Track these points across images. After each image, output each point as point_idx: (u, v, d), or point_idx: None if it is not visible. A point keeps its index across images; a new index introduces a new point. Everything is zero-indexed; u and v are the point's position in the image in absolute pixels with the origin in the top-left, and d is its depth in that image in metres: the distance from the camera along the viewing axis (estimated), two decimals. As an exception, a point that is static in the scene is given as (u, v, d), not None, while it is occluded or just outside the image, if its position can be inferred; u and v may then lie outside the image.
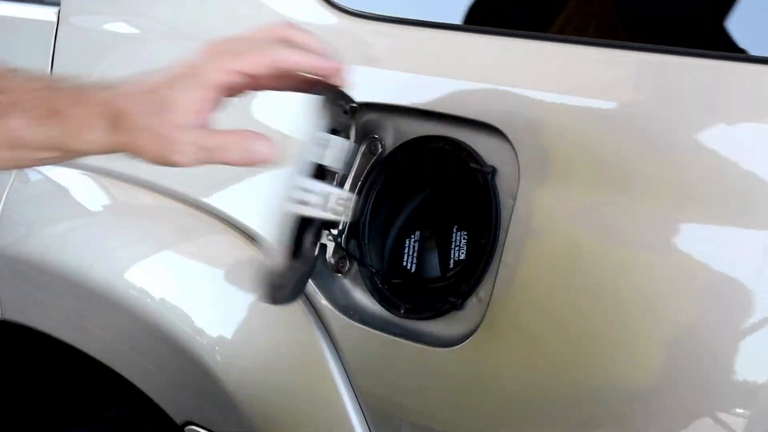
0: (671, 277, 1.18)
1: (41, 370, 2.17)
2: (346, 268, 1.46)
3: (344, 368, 1.45)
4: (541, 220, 1.27)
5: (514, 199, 1.29)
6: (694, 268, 1.17)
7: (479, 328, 1.30)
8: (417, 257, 1.41)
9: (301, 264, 1.31)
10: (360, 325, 1.43)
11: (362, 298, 1.45)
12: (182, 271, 1.67)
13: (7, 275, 1.96)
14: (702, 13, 1.36)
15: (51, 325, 1.89)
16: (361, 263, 1.42)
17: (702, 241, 1.16)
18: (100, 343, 1.80)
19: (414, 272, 1.41)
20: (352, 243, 1.46)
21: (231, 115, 1.20)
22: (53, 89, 1.20)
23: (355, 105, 1.31)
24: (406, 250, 1.41)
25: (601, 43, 1.31)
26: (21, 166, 1.26)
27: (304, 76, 1.22)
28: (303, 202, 1.27)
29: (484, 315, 1.29)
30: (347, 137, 1.33)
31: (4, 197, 1.96)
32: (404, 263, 1.42)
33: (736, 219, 1.15)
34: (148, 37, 1.87)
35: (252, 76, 1.17)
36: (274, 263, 1.29)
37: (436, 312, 1.36)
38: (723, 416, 1.14)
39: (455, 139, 1.37)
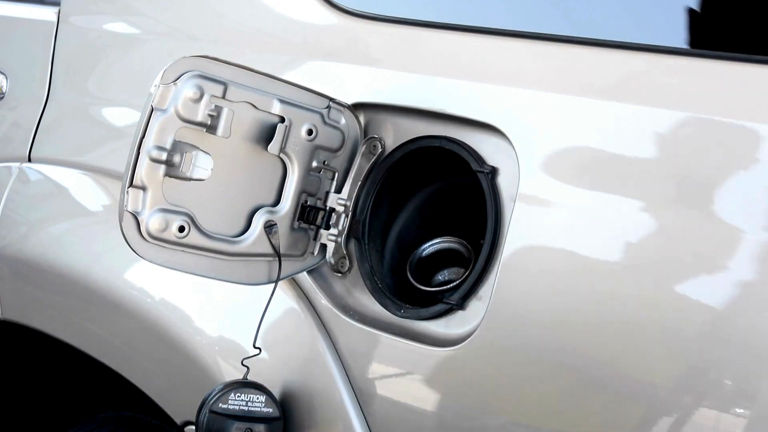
0: (671, 275, 1.18)
1: (41, 370, 2.17)
2: (346, 268, 1.46)
3: (344, 368, 1.45)
4: (541, 220, 1.27)
5: (514, 199, 1.29)
6: (694, 266, 1.17)
7: (479, 328, 1.30)
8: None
9: None
10: (360, 325, 1.43)
11: (362, 298, 1.45)
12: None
13: (7, 275, 1.96)
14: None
15: (51, 325, 1.89)
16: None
17: (703, 240, 1.16)
18: (100, 343, 1.80)
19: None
20: (353, 243, 1.46)
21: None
22: None
23: None
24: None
25: (601, 43, 1.31)
26: None
27: None
28: None
29: (484, 315, 1.29)
30: None
31: (4, 197, 1.96)
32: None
33: (738, 219, 1.15)
34: (148, 37, 1.87)
35: None
36: None
37: (437, 312, 1.36)
38: (723, 416, 1.14)
39: (455, 138, 1.37)
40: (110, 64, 1.90)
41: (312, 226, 1.46)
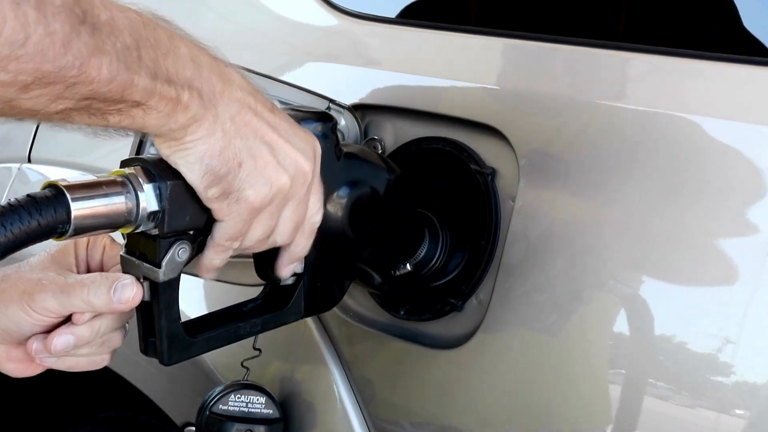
0: (672, 275, 1.18)
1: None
2: (346, 269, 1.46)
3: (344, 369, 1.45)
4: (541, 220, 1.27)
5: (514, 200, 1.29)
6: (695, 266, 1.17)
7: (479, 330, 1.30)
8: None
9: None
10: (360, 326, 1.43)
11: (362, 299, 1.45)
12: (182, 272, 1.67)
13: (7, 276, 1.96)
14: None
15: (51, 325, 1.88)
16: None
17: (703, 240, 1.16)
18: (100, 344, 1.80)
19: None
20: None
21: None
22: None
23: None
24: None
25: (601, 44, 1.31)
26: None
27: None
28: None
29: (483, 317, 1.29)
30: None
31: (4, 198, 1.96)
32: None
33: (738, 218, 1.15)
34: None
35: None
36: None
37: (436, 313, 1.36)
38: (723, 416, 1.14)
39: (455, 140, 1.37)
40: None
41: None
